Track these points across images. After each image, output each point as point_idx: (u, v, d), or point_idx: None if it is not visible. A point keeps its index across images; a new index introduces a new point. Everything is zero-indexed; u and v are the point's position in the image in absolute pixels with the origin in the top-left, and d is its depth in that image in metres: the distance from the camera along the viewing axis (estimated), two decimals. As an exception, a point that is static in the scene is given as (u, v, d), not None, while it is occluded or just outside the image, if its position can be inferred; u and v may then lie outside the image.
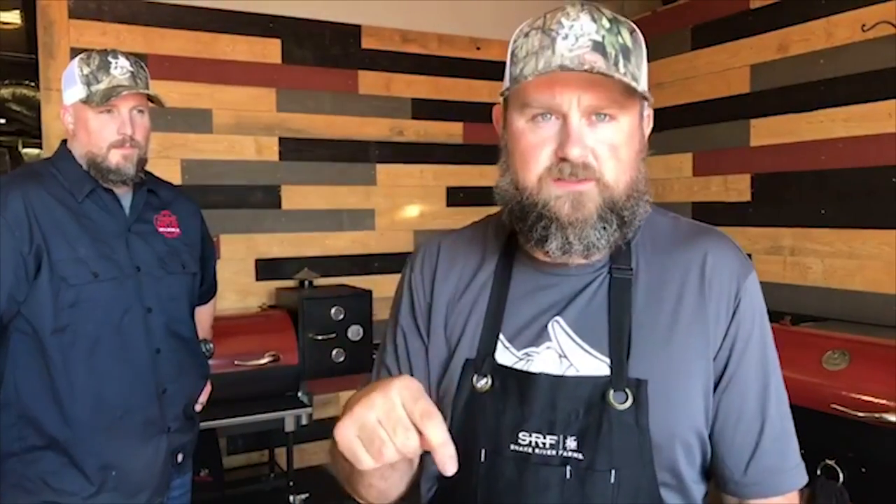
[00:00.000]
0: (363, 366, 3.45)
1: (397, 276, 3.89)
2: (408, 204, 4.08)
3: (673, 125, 3.72)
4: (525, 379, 0.87)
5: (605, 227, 0.84)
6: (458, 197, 4.20)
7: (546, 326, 0.89)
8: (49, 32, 3.21)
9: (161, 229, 1.55)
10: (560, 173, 0.82)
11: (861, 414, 2.17)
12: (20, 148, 7.40)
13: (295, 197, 3.76)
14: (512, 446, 0.85)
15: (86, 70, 1.42)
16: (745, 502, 0.89)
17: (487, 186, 4.05)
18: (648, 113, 0.93)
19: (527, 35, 0.85)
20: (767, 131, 3.28)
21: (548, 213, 0.83)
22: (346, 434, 0.69)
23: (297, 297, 3.35)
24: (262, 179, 3.68)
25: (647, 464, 0.83)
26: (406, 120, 4.04)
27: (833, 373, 2.31)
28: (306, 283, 3.55)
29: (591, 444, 0.83)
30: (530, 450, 0.84)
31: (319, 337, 3.30)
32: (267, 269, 3.66)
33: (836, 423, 2.24)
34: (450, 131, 4.17)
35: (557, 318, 0.89)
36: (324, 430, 3.71)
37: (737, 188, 3.44)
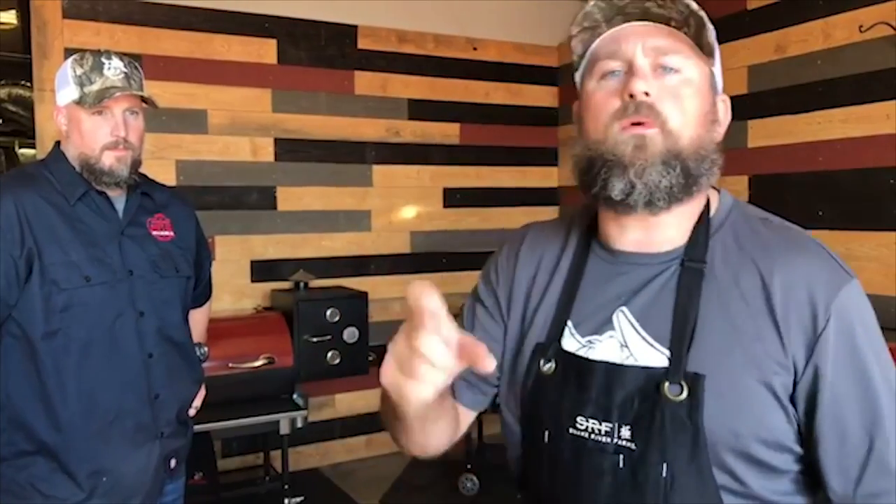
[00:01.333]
0: (359, 368, 3.44)
1: (393, 278, 3.89)
2: (404, 205, 4.07)
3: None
4: (584, 365, 0.88)
5: (668, 172, 0.83)
6: (455, 198, 4.18)
7: (611, 315, 0.90)
8: (43, 32, 3.18)
9: (154, 232, 1.53)
10: (626, 114, 0.83)
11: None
12: (16, 148, 7.36)
13: (290, 198, 3.75)
14: (571, 430, 0.86)
15: (79, 71, 1.40)
16: None
17: (485, 187, 4.08)
18: (725, 97, 0.93)
19: (582, 13, 0.89)
20: (765, 132, 3.27)
21: (612, 157, 0.84)
22: (387, 372, 0.67)
23: (293, 299, 3.33)
24: (257, 180, 3.66)
25: (701, 462, 0.81)
26: (402, 120, 4.02)
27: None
28: (302, 284, 3.53)
29: (643, 434, 0.82)
30: (587, 435, 0.85)
31: (314, 339, 3.29)
32: (262, 270, 3.64)
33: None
34: (446, 132, 4.15)
35: (623, 307, 0.89)
36: (319, 432, 3.72)
37: (734, 189, 3.39)
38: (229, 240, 3.56)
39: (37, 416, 1.37)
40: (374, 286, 3.79)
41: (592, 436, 0.84)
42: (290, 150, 3.73)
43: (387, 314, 3.88)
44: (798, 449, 0.84)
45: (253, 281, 3.63)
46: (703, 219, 0.89)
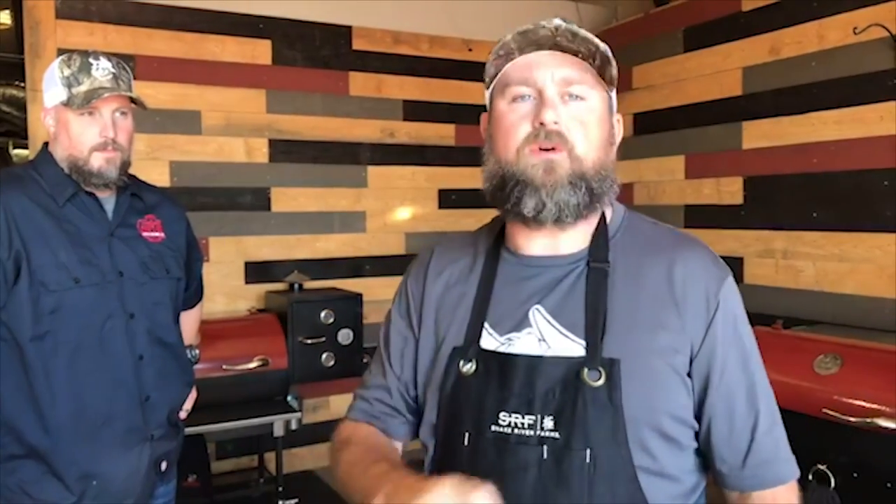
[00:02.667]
0: (353, 370, 3.43)
1: (388, 279, 3.89)
2: (399, 206, 4.06)
3: (665, 127, 3.71)
4: (505, 360, 0.92)
5: (575, 192, 0.91)
6: (450, 199, 4.18)
7: (527, 313, 0.95)
8: (35, 32, 3.17)
9: (145, 234, 1.52)
10: (536, 139, 0.90)
11: (853, 419, 2.16)
12: (10, 149, 7.34)
13: (285, 199, 3.74)
14: (493, 427, 0.89)
15: (66, 72, 1.39)
16: (748, 495, 0.94)
17: (479, 189, 4.04)
18: (619, 118, 1.01)
19: (502, 42, 0.95)
20: (759, 134, 3.27)
21: (524, 178, 0.91)
22: None
23: (287, 301, 3.32)
24: (251, 181, 3.65)
25: (621, 444, 0.86)
26: (397, 121, 4.02)
27: (825, 377, 2.30)
28: (296, 286, 3.52)
29: (566, 422, 0.87)
30: (509, 430, 0.88)
31: (309, 341, 3.28)
32: (256, 271, 3.63)
33: (827, 427, 2.23)
34: (442, 133, 4.15)
35: (538, 305, 0.95)
36: (313, 434, 3.71)
37: (729, 191, 3.43)
38: (223, 241, 3.55)
39: (26, 419, 1.36)
40: (369, 287, 3.78)
41: (515, 430, 0.88)
42: (285, 150, 3.72)
43: (381, 315, 3.82)
44: (696, 425, 0.93)
45: (247, 282, 3.62)
46: (602, 225, 0.98)
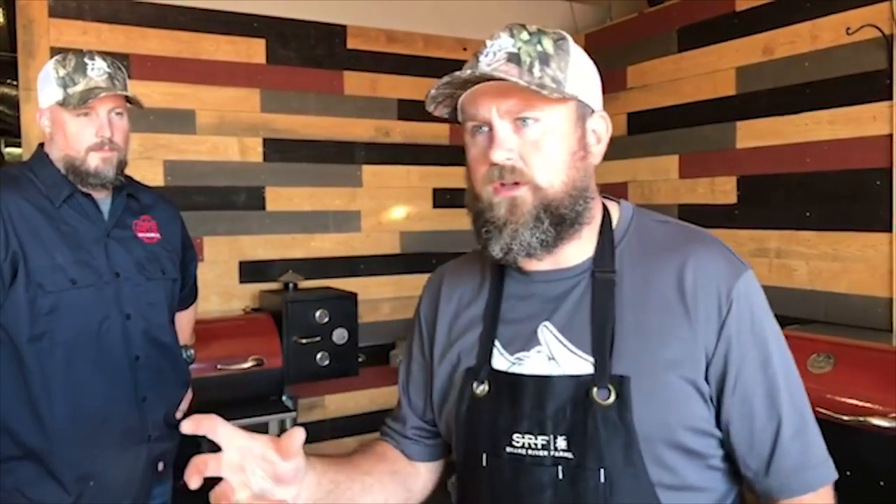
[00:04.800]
0: (348, 369, 3.43)
1: (383, 279, 3.89)
2: (394, 205, 4.06)
3: (659, 127, 3.72)
4: (515, 381, 0.91)
5: (538, 227, 0.89)
6: (444, 198, 4.18)
7: (536, 331, 0.93)
8: (28, 31, 3.15)
9: (140, 234, 1.53)
10: (492, 178, 0.89)
11: (846, 417, 2.17)
12: (2, 147, 7.31)
13: (279, 198, 3.73)
14: (507, 448, 0.89)
15: (61, 72, 1.39)
16: (775, 502, 0.91)
17: (474, 188, 3.95)
18: (602, 114, 0.97)
19: (468, 61, 0.94)
20: (753, 133, 3.29)
21: (489, 217, 0.90)
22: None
23: (281, 300, 3.32)
24: (245, 181, 3.65)
25: (636, 462, 0.84)
26: (392, 121, 4.02)
27: (818, 376, 2.31)
28: (291, 285, 3.52)
29: (579, 442, 0.85)
30: (524, 451, 0.88)
31: (304, 340, 3.27)
32: (251, 271, 3.62)
33: (820, 426, 2.24)
34: (436, 132, 4.14)
35: (546, 322, 0.93)
36: (309, 433, 3.71)
37: (723, 190, 3.45)
38: (217, 240, 3.54)
39: (23, 420, 1.36)
40: (364, 287, 3.78)
41: (529, 451, 0.88)
42: (279, 150, 3.72)
43: (377, 315, 3.88)
44: (719, 433, 0.91)
45: (241, 282, 3.61)
46: (607, 230, 0.95)
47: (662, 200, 3.71)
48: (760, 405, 0.90)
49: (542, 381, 0.89)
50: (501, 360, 0.94)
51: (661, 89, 3.70)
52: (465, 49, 4.21)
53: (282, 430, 3.20)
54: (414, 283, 4.15)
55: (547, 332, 0.93)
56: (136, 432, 1.46)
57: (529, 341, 0.93)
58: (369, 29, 3.94)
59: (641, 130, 3.80)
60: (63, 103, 1.39)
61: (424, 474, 1.09)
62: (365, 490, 0.98)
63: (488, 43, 0.91)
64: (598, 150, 0.96)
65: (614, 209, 1.00)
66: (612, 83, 3.93)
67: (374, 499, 0.99)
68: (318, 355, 3.32)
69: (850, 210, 2.90)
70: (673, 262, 0.91)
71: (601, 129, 0.97)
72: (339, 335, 3.36)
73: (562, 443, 0.86)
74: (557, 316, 0.92)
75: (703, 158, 3.54)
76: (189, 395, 1.67)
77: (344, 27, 3.87)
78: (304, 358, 3.29)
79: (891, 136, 2.74)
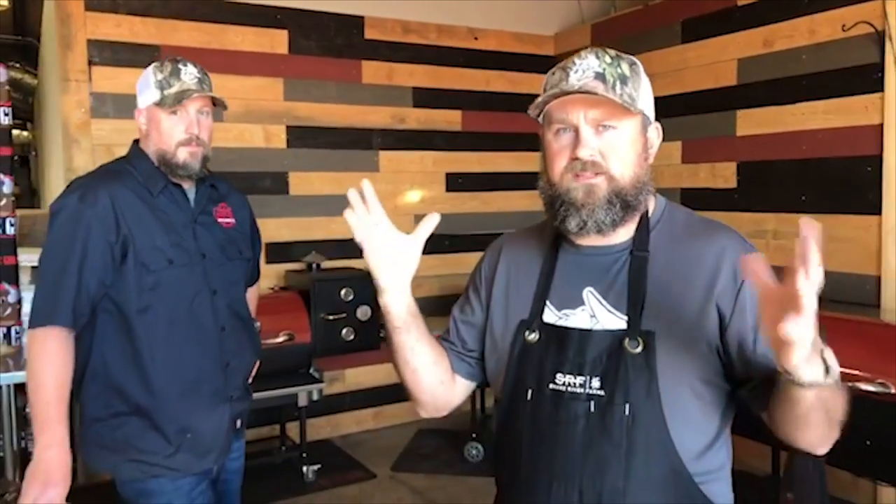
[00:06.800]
0: (371, 343, 3.64)
1: (400, 259, 3.96)
2: (409, 189, 4.25)
3: (663, 114, 3.81)
4: (562, 332, 1.12)
5: (611, 209, 1.08)
6: (456, 182, 4.37)
7: (581, 294, 1.14)
8: (67, 24, 3.30)
9: (220, 220, 1.72)
10: (574, 169, 1.08)
11: (837, 383, 2.39)
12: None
13: (302, 183, 3.91)
14: (551, 385, 1.09)
15: (159, 76, 1.58)
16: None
17: (485, 172, 4.31)
18: (656, 125, 1.18)
19: (553, 73, 1.13)
20: (753, 122, 3.48)
21: (567, 199, 1.09)
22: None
23: (309, 279, 3.51)
24: (270, 166, 3.83)
25: (654, 400, 1.05)
26: (407, 108, 4.19)
27: (812, 347, 2.53)
28: (314, 265, 3.70)
29: (610, 382, 1.06)
30: (564, 388, 1.08)
31: (331, 317, 3.47)
32: (276, 252, 3.80)
33: (814, 392, 2.46)
34: (449, 119, 4.33)
35: (590, 288, 1.14)
36: (329, 405, 3.91)
37: (723, 175, 3.64)
38: (245, 223, 3.72)
39: (132, 381, 1.55)
40: (382, 267, 3.97)
41: (569, 388, 1.08)
42: (301, 136, 3.89)
43: (393, 293, 4.07)
44: (723, 384, 1.10)
45: (268, 262, 3.78)
46: (644, 219, 1.15)
47: (666, 185, 3.90)
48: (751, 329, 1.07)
49: (585, 334, 1.09)
50: (551, 315, 1.14)
51: (666, 78, 3.88)
52: (475, 38, 4.38)
53: (310, 400, 3.41)
54: (428, 264, 4.26)
55: (591, 296, 1.12)
56: (221, 393, 1.65)
57: (576, 301, 1.13)
58: (386, 20, 4.10)
59: (646, 117, 3.98)
60: (160, 103, 1.57)
61: (458, 387, 1.27)
62: (423, 349, 1.19)
63: (577, 62, 1.09)
64: (653, 152, 1.17)
65: (651, 201, 1.19)
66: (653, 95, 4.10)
67: (424, 360, 1.19)
68: (344, 331, 3.53)
69: (842, 194, 3.11)
70: (697, 244, 1.12)
71: (655, 136, 1.17)
72: (363, 312, 3.56)
73: (595, 382, 1.06)
74: (601, 283, 1.12)
75: (705, 145, 3.73)
76: (257, 364, 1.87)
77: (362, 18, 4.04)
78: (331, 333, 3.49)
79: (881, 125, 2.94)
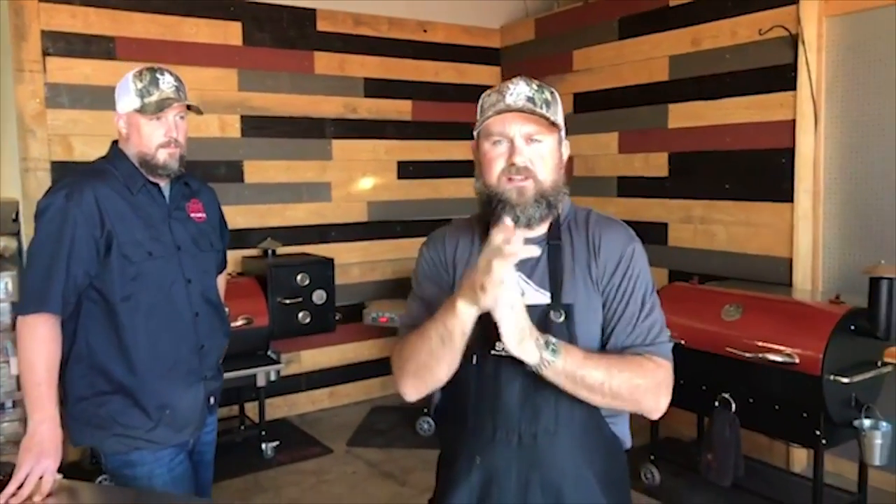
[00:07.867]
0: (325, 326, 3.82)
1: (353, 245, 4.30)
2: (361, 177, 4.40)
3: (601, 107, 4.15)
4: None
5: (538, 206, 1.32)
6: (408, 170, 4.54)
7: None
8: (20, 15, 3.34)
9: (192, 214, 1.87)
10: (509, 173, 1.32)
11: (748, 355, 2.68)
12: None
13: (257, 171, 4.03)
14: (492, 351, 1.31)
15: (139, 85, 1.70)
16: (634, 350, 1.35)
17: (435, 160, 4.54)
18: (566, 143, 1.43)
19: (489, 95, 1.36)
20: (682, 115, 3.75)
21: (503, 198, 1.32)
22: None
23: (265, 265, 3.66)
24: (225, 155, 3.93)
25: None
26: (359, 98, 4.34)
27: (729, 322, 2.81)
28: (270, 251, 3.84)
29: None
30: (503, 353, 1.27)
31: (287, 301, 3.63)
32: (233, 239, 3.83)
33: (729, 363, 2.74)
34: (400, 109, 4.49)
35: (519, 271, 1.33)
36: (285, 386, 4.08)
37: (656, 164, 3.91)
38: (201, 211, 3.82)
39: (115, 362, 1.70)
40: (335, 252, 4.13)
41: (506, 353, 1.27)
42: (256, 126, 4.01)
43: (347, 277, 4.24)
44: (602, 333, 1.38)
45: (225, 248, 3.91)
46: (556, 216, 1.40)
47: (603, 173, 4.16)
48: (633, 307, 1.35)
49: None
50: None
51: (604, 73, 4.12)
52: (425, 31, 4.54)
53: (268, 381, 3.57)
54: (380, 248, 4.54)
55: (519, 277, 1.30)
56: (196, 373, 1.81)
57: None
58: (337, 12, 4.23)
59: (585, 109, 4.22)
60: (141, 110, 1.70)
61: None
62: (460, 353, 1.31)
63: (510, 86, 1.32)
64: (564, 161, 1.43)
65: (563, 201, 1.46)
66: (560, 65, 4.34)
67: (455, 359, 1.30)
68: (300, 314, 3.69)
69: (760, 183, 3.41)
70: (594, 234, 1.39)
71: (566, 150, 1.43)
72: (319, 296, 3.72)
73: None
74: (526, 267, 1.32)
75: (640, 136, 3.99)
76: (225, 345, 2.03)
77: (314, 11, 4.15)
78: (288, 317, 3.65)
79: (793, 121, 3.24)
